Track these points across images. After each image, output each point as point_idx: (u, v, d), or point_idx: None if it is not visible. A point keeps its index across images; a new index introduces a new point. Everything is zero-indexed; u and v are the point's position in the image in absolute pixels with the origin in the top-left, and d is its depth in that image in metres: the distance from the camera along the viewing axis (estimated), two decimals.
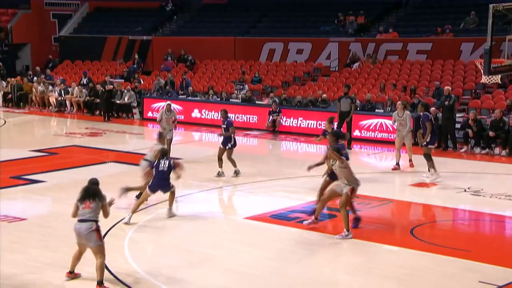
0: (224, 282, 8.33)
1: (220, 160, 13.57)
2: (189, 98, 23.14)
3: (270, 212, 11.09)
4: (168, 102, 16.05)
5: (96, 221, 7.73)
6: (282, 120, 20.30)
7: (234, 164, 13.51)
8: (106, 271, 7.92)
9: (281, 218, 10.97)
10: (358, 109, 19.21)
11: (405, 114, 14.70)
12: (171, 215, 10.72)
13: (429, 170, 13.46)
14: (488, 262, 8.71)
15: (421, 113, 13.78)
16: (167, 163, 10.45)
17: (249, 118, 21.10)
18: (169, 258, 9.04)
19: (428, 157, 13.37)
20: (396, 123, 14.82)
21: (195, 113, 22.15)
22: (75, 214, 7.79)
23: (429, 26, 24.42)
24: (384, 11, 27.17)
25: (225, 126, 13.74)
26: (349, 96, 17.63)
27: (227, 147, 13.57)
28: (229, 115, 14.36)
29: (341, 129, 17.32)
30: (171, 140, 15.10)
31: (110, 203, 8.03)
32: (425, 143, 13.36)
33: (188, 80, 24.85)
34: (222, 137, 13.81)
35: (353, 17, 26.59)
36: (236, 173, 13.62)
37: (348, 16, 26.73)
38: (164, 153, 10.74)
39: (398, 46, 23.99)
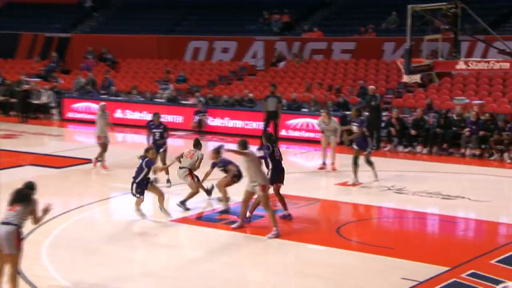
0: (148, 285, 8.24)
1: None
2: (112, 98, 22.70)
3: (197, 214, 11.06)
4: (103, 102, 15.27)
5: (19, 227, 7.38)
6: (208, 120, 20.27)
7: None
8: (23, 280, 7.66)
9: (208, 220, 10.97)
10: (284, 108, 19.47)
11: (332, 121, 14.90)
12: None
13: (375, 176, 13.42)
14: (411, 258, 9.04)
15: (355, 118, 13.70)
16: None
17: (174, 118, 20.95)
18: (92, 263, 8.86)
19: (369, 163, 13.36)
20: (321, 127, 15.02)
21: (118, 114, 21.76)
22: None
23: (353, 25, 25.06)
24: (309, 10, 27.64)
25: (161, 130, 13.16)
26: (275, 96, 17.85)
27: (160, 151, 13.07)
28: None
29: (268, 128, 17.52)
30: (105, 145, 14.33)
31: (46, 210, 7.64)
32: (369, 150, 13.37)
33: (110, 79, 24.37)
34: (154, 143, 12.91)
35: (278, 15, 26.90)
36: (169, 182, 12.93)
37: (273, 15, 27.02)
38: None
39: (323, 45, 24.47)
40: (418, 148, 17.15)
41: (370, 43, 23.52)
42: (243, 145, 10.20)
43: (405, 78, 10.61)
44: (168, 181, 12.83)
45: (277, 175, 10.67)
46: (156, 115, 13.30)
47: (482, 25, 11.17)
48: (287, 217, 10.77)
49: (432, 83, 20.26)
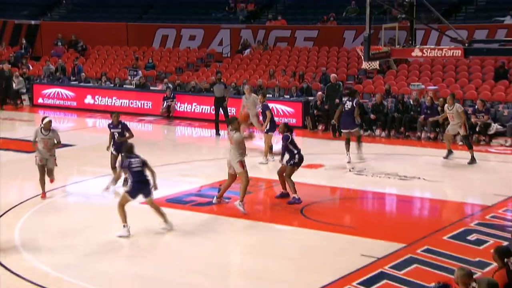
0: (119, 267, 8.20)
1: (114, 169, 11.48)
2: (82, 84, 22.36)
3: (165, 196, 11.03)
4: (49, 118, 11.26)
5: None
6: (177, 106, 20.14)
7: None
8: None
9: (176, 202, 10.95)
10: (234, 93, 19.33)
11: (252, 96, 14.90)
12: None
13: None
14: (370, 237, 9.20)
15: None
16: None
17: (143, 104, 20.75)
18: (64, 245, 8.76)
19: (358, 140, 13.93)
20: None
21: (88, 99, 21.48)
22: None
23: (315, 14, 25.09)
24: (275, 0, 27.58)
25: (119, 130, 11.68)
26: (221, 82, 17.72)
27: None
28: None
29: (218, 115, 17.32)
30: (51, 171, 11.19)
31: None
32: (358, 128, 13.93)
33: (80, 66, 23.99)
34: (114, 144, 11.60)
35: (243, 4, 26.78)
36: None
37: (239, 4, 26.89)
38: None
39: (287, 33, 24.46)
40: (377, 132, 17.35)
41: (331, 31, 23.60)
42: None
43: (365, 65, 10.70)
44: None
45: (299, 160, 10.77)
46: (114, 114, 11.82)
47: (436, 14, 11.32)
48: (296, 201, 10.63)
49: (390, 69, 20.49)
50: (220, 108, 17.24)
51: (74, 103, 21.69)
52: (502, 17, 20.94)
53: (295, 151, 10.73)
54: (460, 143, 15.96)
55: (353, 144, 13.88)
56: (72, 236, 9.20)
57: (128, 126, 11.89)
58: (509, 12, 20.77)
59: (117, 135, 11.67)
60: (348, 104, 13.92)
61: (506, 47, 11.02)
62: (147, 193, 9.38)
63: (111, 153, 11.67)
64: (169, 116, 19.91)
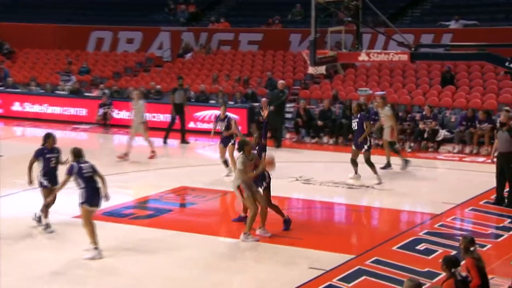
0: (51, 286, 7.98)
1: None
2: (9, 89, 21.70)
3: (102, 209, 10.80)
4: None
5: None
6: (114, 113, 19.83)
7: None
8: None
9: (114, 215, 10.76)
10: (192, 100, 19.36)
11: (140, 103, 15.15)
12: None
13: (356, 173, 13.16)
14: (319, 248, 9.28)
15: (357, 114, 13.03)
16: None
17: (78, 111, 20.36)
18: None
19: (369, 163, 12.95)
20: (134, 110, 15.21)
21: (16, 107, 20.89)
22: None
23: (260, 16, 25.27)
24: (215, 1, 27.61)
25: (56, 155, 10.09)
26: (183, 88, 17.66)
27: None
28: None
29: (175, 121, 17.34)
30: None
31: None
32: (366, 147, 12.93)
33: (6, 70, 23.31)
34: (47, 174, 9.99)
35: (184, 5, 26.70)
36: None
37: (179, 5, 26.80)
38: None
39: (230, 36, 24.53)
40: (325, 139, 17.57)
41: (276, 35, 23.81)
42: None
43: (311, 70, 10.81)
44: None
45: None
46: (49, 137, 10.07)
47: (382, 18, 11.57)
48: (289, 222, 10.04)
49: (338, 74, 20.82)
50: (175, 117, 17.24)
51: (1, 110, 21.05)
52: (447, 21, 21.66)
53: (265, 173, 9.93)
54: (409, 149, 16.36)
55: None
56: (3, 254, 8.88)
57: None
58: (454, 16, 21.50)
59: (53, 161, 10.00)
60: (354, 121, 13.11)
61: (452, 52, 11.37)
62: (97, 203, 9.08)
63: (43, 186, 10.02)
64: (106, 124, 19.59)
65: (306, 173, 13.63)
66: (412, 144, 16.50)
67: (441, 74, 19.64)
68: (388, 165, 14.14)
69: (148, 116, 19.46)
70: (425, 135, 16.36)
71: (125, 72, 23.89)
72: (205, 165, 15.02)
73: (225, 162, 13.46)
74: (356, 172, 13.06)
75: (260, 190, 9.77)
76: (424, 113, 16.65)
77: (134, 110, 15.22)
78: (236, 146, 10.38)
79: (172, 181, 13.09)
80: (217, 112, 18.71)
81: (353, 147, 13.12)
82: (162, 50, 25.07)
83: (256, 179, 9.72)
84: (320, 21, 10.74)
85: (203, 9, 27.10)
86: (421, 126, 16.42)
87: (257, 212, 9.58)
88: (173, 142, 17.61)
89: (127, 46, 25.47)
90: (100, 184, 9.06)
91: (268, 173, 9.93)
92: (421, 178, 13.78)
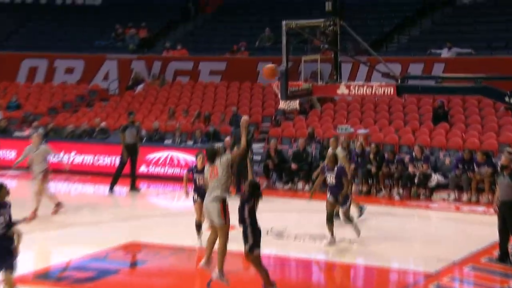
0: None
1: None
2: None
3: (34, 272, 10.61)
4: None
5: None
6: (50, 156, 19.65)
7: None
8: None
9: (48, 278, 10.59)
10: (144, 140, 19.37)
11: (41, 148, 14.32)
12: None
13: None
14: None
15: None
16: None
17: (5, 153, 20.22)
18: None
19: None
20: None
21: None
22: None
23: (223, 43, 25.59)
24: (170, 24, 27.90)
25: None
26: (134, 126, 17.60)
27: None
28: None
29: (125, 164, 17.26)
30: None
31: None
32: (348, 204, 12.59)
33: None
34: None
35: (134, 29, 26.91)
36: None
37: (128, 29, 27.00)
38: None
39: (189, 65, 24.75)
40: (300, 185, 17.65)
41: (242, 64, 24.13)
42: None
43: (283, 104, 10.92)
44: None
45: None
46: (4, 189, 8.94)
47: (364, 45, 11.80)
48: None
49: (314, 109, 21.11)
50: (126, 160, 17.04)
51: None
52: (439, 49, 22.21)
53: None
54: (397, 196, 16.54)
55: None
56: None
57: None
58: (446, 44, 22.04)
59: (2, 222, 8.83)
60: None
61: (444, 84, 11.54)
62: (9, 265, 8.77)
63: None
64: None
65: (278, 225, 13.64)
66: (400, 191, 16.69)
67: (432, 109, 20.03)
68: (361, 211, 14.22)
69: (92, 160, 19.48)
70: (416, 181, 16.58)
71: (63, 108, 23.82)
72: (159, 217, 14.93)
73: (199, 226, 12.22)
74: (332, 235, 12.35)
75: None
76: (414, 154, 16.91)
77: (34, 157, 14.24)
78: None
79: (120, 235, 12.96)
80: (174, 154, 18.79)
81: (329, 199, 12.42)
82: (108, 81, 25.13)
83: None
84: (293, 48, 10.92)
85: (156, 33, 27.35)
86: (410, 169, 16.66)
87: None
88: (121, 189, 17.50)
89: (65, 77, 25.49)
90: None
91: None
92: (411, 230, 13.90)
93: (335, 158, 12.57)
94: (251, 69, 23.66)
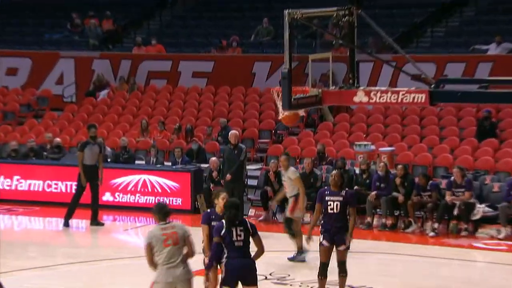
0: None
1: None
2: None
3: None
4: None
5: None
6: None
7: None
8: None
9: None
10: (108, 160, 19.45)
11: None
12: None
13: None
14: None
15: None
16: None
17: None
18: None
19: None
20: None
21: None
22: None
23: (209, 36, 25.72)
24: (142, 15, 28.02)
25: None
26: (96, 142, 17.65)
27: None
28: None
29: (83, 192, 17.28)
30: None
31: None
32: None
33: None
34: None
35: (95, 20, 26.98)
36: None
37: (89, 19, 27.09)
38: None
39: (166, 65, 24.85)
40: (307, 217, 17.66)
41: (234, 63, 24.23)
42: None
43: (282, 115, 10.98)
44: None
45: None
46: None
47: (388, 40, 11.86)
48: None
49: (324, 121, 21.17)
50: (84, 186, 17.10)
51: None
52: (485, 44, 22.32)
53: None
54: (431, 233, 16.58)
55: None
56: None
57: None
58: (494, 38, 22.16)
59: None
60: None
61: (491, 90, 11.50)
62: None
63: None
64: None
65: (280, 269, 13.69)
66: (435, 225, 16.73)
67: (477, 122, 20.08)
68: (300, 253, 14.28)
69: (41, 186, 19.52)
70: (455, 212, 16.60)
71: (3, 119, 23.86)
72: (127, 258, 14.98)
73: None
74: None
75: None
76: (452, 179, 16.96)
77: None
78: None
79: (79, 283, 13.01)
80: (148, 177, 18.85)
81: (340, 247, 11.81)
82: (63, 86, 25.22)
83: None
84: (298, 44, 10.95)
85: (124, 25, 27.49)
86: (448, 198, 16.69)
87: None
88: (80, 223, 17.57)
89: (7, 80, 25.54)
90: None
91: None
92: (450, 277, 13.91)
93: (341, 178, 11.88)
94: (244, 70, 23.78)
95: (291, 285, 13.01)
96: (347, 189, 12.04)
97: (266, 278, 13.32)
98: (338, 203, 11.61)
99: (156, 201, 18.27)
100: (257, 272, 9.48)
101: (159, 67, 24.86)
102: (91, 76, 24.97)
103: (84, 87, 24.96)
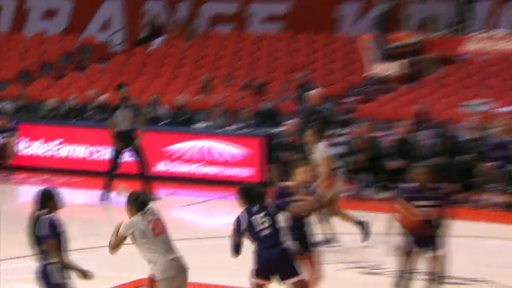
0: None
1: None
2: None
3: None
4: None
5: None
6: (19, 145, 20.06)
7: None
8: None
9: None
10: (162, 123, 19.50)
11: None
12: None
13: None
14: None
15: None
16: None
17: None
18: None
19: None
20: None
21: None
22: None
23: None
24: None
25: None
26: (128, 105, 17.67)
27: None
28: None
29: (118, 160, 17.36)
30: None
31: None
32: None
33: None
34: None
35: None
36: None
37: None
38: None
39: (233, 7, 24.88)
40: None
41: (315, 4, 24.16)
42: None
43: (376, 69, 10.87)
44: None
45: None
46: None
47: None
48: None
49: (426, 76, 20.93)
50: (121, 151, 17.30)
51: None
52: None
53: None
54: None
55: None
56: None
57: None
58: None
59: None
60: None
61: None
62: None
63: None
64: (3, 165, 19.86)
65: (371, 257, 13.67)
66: None
67: None
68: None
69: (85, 152, 19.73)
70: None
71: (40, 72, 24.15)
72: (184, 240, 15.04)
73: None
74: None
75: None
76: None
77: None
78: None
79: (132, 267, 13.10)
80: (210, 143, 18.94)
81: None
82: (109, 33, 25.41)
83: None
84: None
85: None
86: None
87: None
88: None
89: (44, 25, 25.87)
90: None
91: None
92: None
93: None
94: (326, 13, 23.70)
95: (382, 275, 12.89)
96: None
97: (358, 267, 13.29)
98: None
99: (221, 172, 18.35)
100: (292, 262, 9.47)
101: (224, 9, 24.95)
102: (142, 20, 25.11)
103: (134, 34, 25.13)
